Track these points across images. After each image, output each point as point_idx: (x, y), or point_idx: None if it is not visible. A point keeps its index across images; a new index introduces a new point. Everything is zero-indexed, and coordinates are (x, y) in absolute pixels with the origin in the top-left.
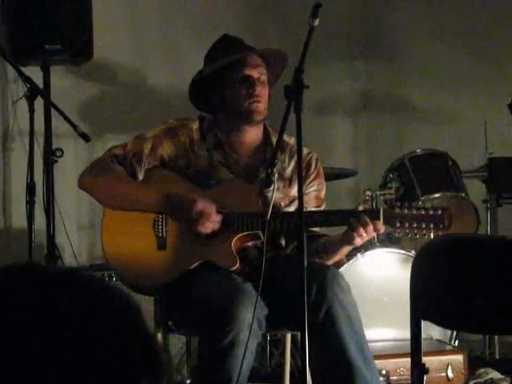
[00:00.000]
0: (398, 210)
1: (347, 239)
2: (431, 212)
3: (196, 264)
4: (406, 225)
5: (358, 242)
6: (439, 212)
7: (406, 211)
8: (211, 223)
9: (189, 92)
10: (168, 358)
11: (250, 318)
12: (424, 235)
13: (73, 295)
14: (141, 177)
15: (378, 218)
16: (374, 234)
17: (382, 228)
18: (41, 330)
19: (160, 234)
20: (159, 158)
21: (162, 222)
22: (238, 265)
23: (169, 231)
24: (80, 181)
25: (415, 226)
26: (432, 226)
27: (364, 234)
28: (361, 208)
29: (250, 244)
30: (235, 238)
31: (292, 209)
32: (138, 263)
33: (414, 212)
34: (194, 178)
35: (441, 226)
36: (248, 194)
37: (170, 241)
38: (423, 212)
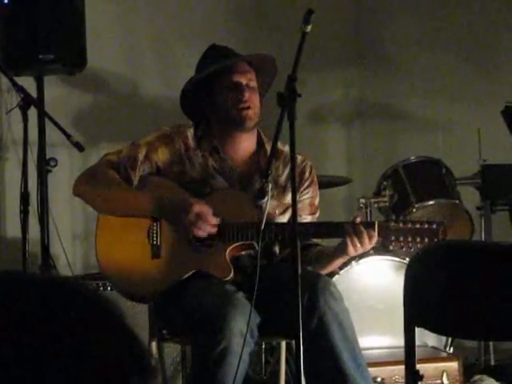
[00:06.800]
0: (393, 224)
1: (341, 249)
2: (426, 226)
3: (190, 273)
4: (401, 238)
5: (352, 252)
6: (434, 226)
7: (400, 225)
8: (208, 226)
9: (180, 102)
10: (161, 366)
11: (241, 327)
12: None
13: (55, 300)
14: (135, 183)
15: (373, 231)
16: (369, 247)
17: (374, 240)
18: (26, 333)
19: (154, 243)
20: (154, 164)
21: (156, 230)
22: (231, 275)
23: (163, 240)
24: (75, 187)
25: (410, 239)
26: (427, 240)
27: (358, 245)
28: (358, 220)
29: (243, 253)
30: (229, 248)
31: (286, 216)
32: (132, 271)
33: (409, 226)
34: (189, 187)
35: (435, 239)
36: (243, 204)
37: (165, 249)
38: (418, 226)
